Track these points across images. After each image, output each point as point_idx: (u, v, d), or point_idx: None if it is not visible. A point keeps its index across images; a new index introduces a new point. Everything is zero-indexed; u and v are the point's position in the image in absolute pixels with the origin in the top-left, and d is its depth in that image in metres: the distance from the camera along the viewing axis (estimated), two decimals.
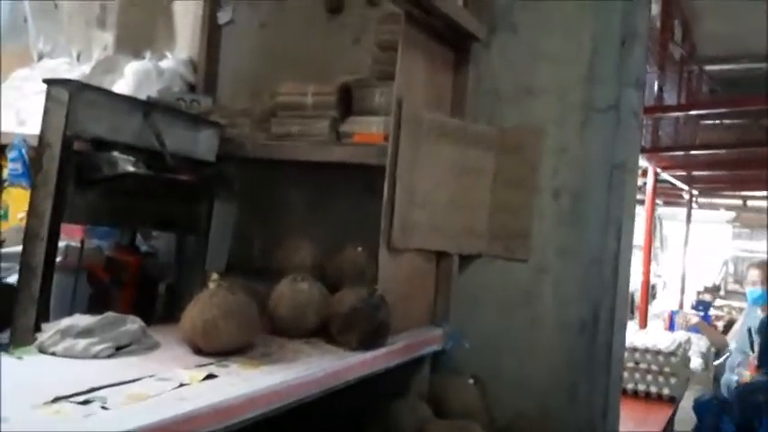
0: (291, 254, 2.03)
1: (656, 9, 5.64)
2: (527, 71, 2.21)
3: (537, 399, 2.10)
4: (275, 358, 1.54)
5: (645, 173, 6.19)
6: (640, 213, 5.89)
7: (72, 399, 1.13)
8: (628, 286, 2.20)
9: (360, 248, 1.99)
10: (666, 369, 4.46)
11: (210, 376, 1.34)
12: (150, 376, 1.30)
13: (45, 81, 1.77)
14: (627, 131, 2.10)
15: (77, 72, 3.02)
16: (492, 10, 2.23)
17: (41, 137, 1.75)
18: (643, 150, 5.28)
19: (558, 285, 2.11)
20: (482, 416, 2.01)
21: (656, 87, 5.86)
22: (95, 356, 1.41)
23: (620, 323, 2.13)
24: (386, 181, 1.87)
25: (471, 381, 2.05)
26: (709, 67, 8.92)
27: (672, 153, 6.61)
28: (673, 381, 4.45)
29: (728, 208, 12.60)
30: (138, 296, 2.11)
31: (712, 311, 8.05)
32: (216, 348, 1.50)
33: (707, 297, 9.20)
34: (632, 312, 6.18)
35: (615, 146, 2.09)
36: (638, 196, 5.99)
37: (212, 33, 2.83)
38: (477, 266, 2.21)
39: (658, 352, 4.47)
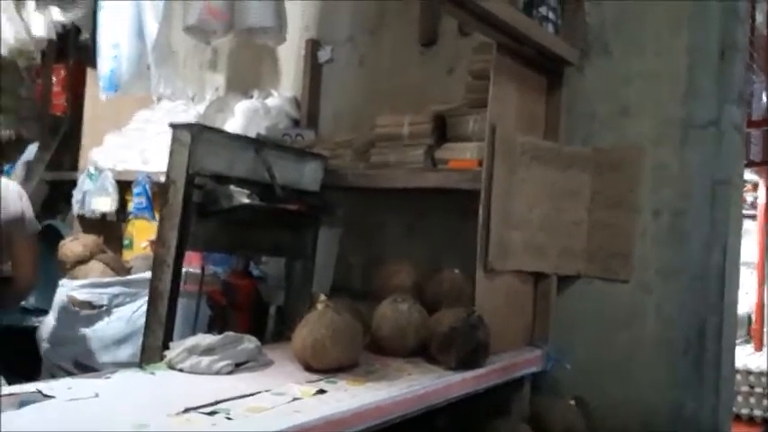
0: (391, 276, 2.12)
1: (761, 16, 5.35)
2: (622, 91, 2.20)
3: (641, 420, 2.06)
4: (379, 376, 1.62)
5: (756, 187, 5.84)
6: (751, 230, 5.55)
7: (200, 410, 1.26)
8: (735, 305, 2.12)
9: (457, 270, 2.05)
10: None
11: (321, 391, 1.43)
12: (266, 391, 1.42)
13: (170, 125, 1.96)
14: (730, 147, 2.05)
15: (193, 112, 3.29)
16: (584, 33, 2.25)
17: (167, 174, 1.93)
18: (753, 164, 5.00)
19: (660, 305, 2.07)
20: None
21: (764, 98, 5.53)
22: (217, 373, 1.55)
23: (729, 343, 2.06)
24: (481, 204, 1.92)
25: (573, 402, 2.04)
26: None
27: None
28: None
29: None
30: (252, 317, 2.26)
31: None
32: (324, 366, 1.60)
33: None
34: (748, 335, 5.80)
35: (717, 162, 2.04)
36: (750, 212, 5.67)
37: (314, 72, 3.01)
38: (577, 287, 2.21)
39: None
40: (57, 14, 3.04)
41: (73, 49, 4.01)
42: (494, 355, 1.84)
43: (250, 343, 1.66)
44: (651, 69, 2.15)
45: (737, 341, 2.49)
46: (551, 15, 2.16)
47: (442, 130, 2.27)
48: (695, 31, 2.09)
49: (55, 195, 3.92)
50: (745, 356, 4.50)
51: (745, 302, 5.35)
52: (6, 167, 4.51)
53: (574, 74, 2.25)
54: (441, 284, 2.03)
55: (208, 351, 1.58)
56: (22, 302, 2.88)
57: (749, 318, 5.71)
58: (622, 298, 2.13)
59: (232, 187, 1.99)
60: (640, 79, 2.17)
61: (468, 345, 1.72)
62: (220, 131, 2.26)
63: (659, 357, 2.06)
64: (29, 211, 2.66)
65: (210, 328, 2.17)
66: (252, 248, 2.27)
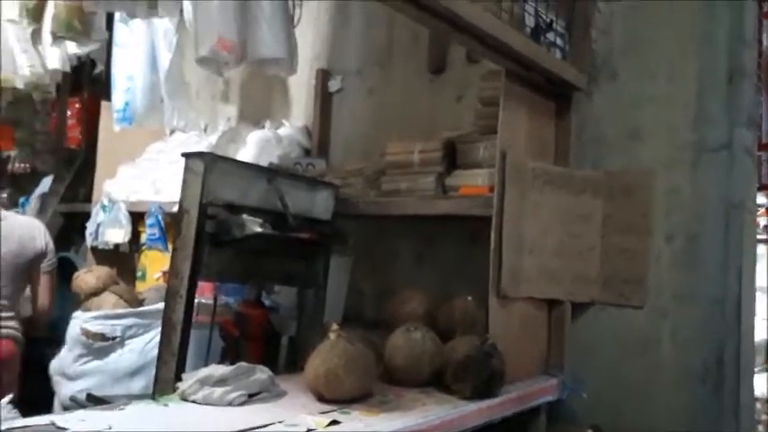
0: (403, 304, 2.11)
1: None
2: (631, 115, 2.20)
3: None
4: (393, 406, 1.61)
5: None
6: (765, 255, 5.47)
7: None
8: (753, 330, 2.09)
9: (470, 297, 2.04)
10: None
11: (334, 422, 1.42)
12: (280, 422, 1.41)
13: (183, 155, 1.97)
14: (741, 170, 2.04)
15: (205, 143, 3.33)
16: (592, 59, 2.26)
17: (180, 204, 1.94)
18: (765, 187, 4.95)
19: (677, 330, 2.04)
20: None
21: None
22: (230, 404, 1.54)
23: (747, 369, 2.03)
24: (493, 230, 1.92)
25: (590, 431, 2.01)
26: None
27: None
28: None
29: None
30: (265, 348, 2.26)
31: None
32: (337, 396, 1.59)
33: None
34: (767, 362, 5.69)
35: (730, 185, 2.03)
36: (763, 236, 5.59)
37: (324, 101, 3.05)
38: (591, 313, 2.19)
39: None
40: (72, 47, 3.10)
41: (87, 81, 4.09)
42: (509, 384, 1.82)
43: (263, 373, 1.65)
44: (661, 94, 2.15)
45: (756, 368, 2.44)
46: (559, 41, 2.18)
47: (453, 157, 2.28)
48: (703, 55, 2.09)
49: (69, 227, 3.96)
50: (765, 384, 4.40)
51: (762, 328, 5.25)
52: (22, 200, 4.58)
53: (582, 99, 2.26)
54: (453, 312, 2.02)
55: (220, 382, 1.58)
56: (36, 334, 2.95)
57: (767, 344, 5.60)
58: (638, 324, 2.10)
59: (245, 216, 2.00)
60: (650, 103, 2.17)
61: (482, 374, 1.70)
62: (233, 161, 2.28)
63: (677, 384, 2.02)
64: (51, 247, 2.85)
65: (223, 359, 2.17)
66: (264, 278, 2.28)
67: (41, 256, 2.80)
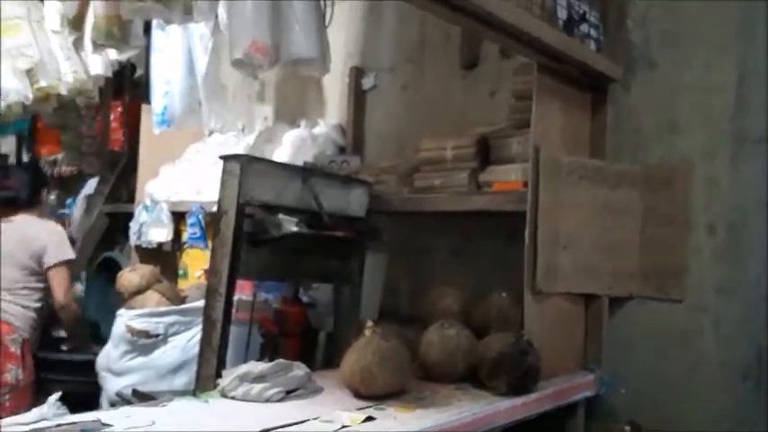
0: (438, 300, 2.12)
1: None
2: (669, 106, 2.16)
3: None
4: (428, 402, 1.62)
5: None
6: None
7: None
8: None
9: (504, 294, 2.03)
10: None
11: (369, 419, 1.44)
12: (315, 418, 1.44)
13: (221, 157, 2.02)
14: None
15: (243, 143, 3.38)
16: (628, 49, 2.22)
17: (219, 205, 1.98)
18: None
19: (718, 325, 2.00)
20: None
21: None
22: (268, 400, 1.58)
23: None
24: (527, 226, 1.91)
25: (628, 427, 1.98)
26: None
27: None
28: None
29: None
30: (302, 344, 2.29)
31: None
32: (373, 393, 1.61)
33: None
34: None
35: None
36: None
37: (358, 99, 3.07)
38: (630, 308, 2.16)
39: None
40: (113, 54, 3.18)
41: (129, 85, 4.19)
42: (545, 380, 1.81)
43: (300, 370, 1.68)
44: (700, 84, 2.11)
45: None
46: (593, 33, 2.15)
47: (486, 153, 2.27)
48: (742, 44, 2.04)
49: (113, 227, 4.07)
50: None
51: None
52: (69, 201, 4.73)
53: (619, 90, 2.23)
54: (488, 309, 2.02)
55: (259, 378, 1.62)
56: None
57: None
58: (678, 318, 2.07)
59: (281, 216, 2.03)
60: (688, 94, 2.13)
61: (518, 370, 1.70)
62: (268, 161, 2.31)
63: (718, 380, 1.98)
64: (54, 244, 3.14)
65: (262, 355, 2.21)
66: (301, 276, 2.31)
67: (41, 254, 3.09)
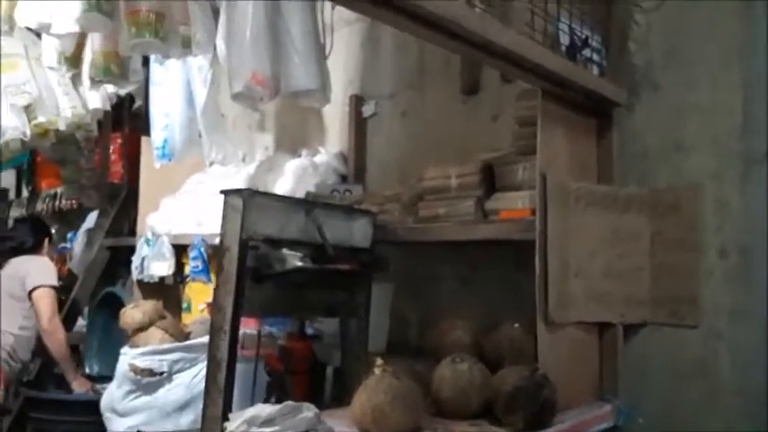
0: (448, 332, 2.08)
1: None
2: (675, 128, 2.14)
3: None
4: None
5: None
6: None
7: None
8: None
9: (516, 324, 1.99)
10: None
11: None
12: None
13: (222, 191, 1.99)
14: None
15: (244, 173, 3.36)
16: (631, 72, 2.20)
17: (221, 240, 1.95)
18: None
19: (734, 352, 1.95)
20: None
21: None
22: None
23: None
24: (537, 254, 1.87)
25: None
26: None
27: None
28: None
29: None
30: (309, 380, 2.24)
31: None
32: None
33: None
34: None
35: None
36: None
37: (359, 127, 3.05)
38: (644, 335, 2.11)
39: None
40: (111, 87, 3.17)
41: (127, 117, 4.18)
42: (561, 413, 1.77)
43: (309, 411, 1.64)
44: (705, 104, 2.08)
45: None
46: (596, 57, 2.13)
47: (491, 180, 2.24)
48: (746, 62, 2.02)
49: (115, 261, 4.03)
50: None
51: None
52: (69, 235, 4.70)
53: (623, 114, 2.20)
54: (500, 341, 1.98)
55: (268, 422, 1.58)
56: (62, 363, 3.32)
57: None
58: (693, 345, 2.02)
59: (285, 251, 2.00)
60: (694, 114, 2.11)
61: (534, 404, 1.65)
62: (271, 195, 2.29)
63: (737, 408, 1.93)
64: (36, 270, 3.38)
65: (269, 393, 2.16)
66: (306, 310, 2.27)
67: (25, 276, 3.33)
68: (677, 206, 2.09)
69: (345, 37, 3.11)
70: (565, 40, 1.98)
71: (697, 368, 2.01)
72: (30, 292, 3.26)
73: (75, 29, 2.37)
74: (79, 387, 3.25)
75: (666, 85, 2.16)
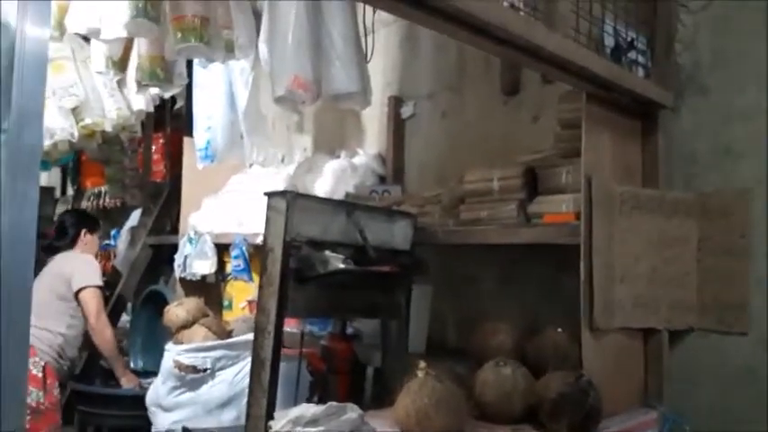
0: (491, 336, 2.07)
1: None
2: (723, 131, 2.10)
3: None
4: None
5: None
6: None
7: None
8: None
9: (560, 329, 1.98)
10: None
11: None
12: None
13: (266, 193, 2.01)
14: None
15: (283, 174, 3.40)
16: (677, 74, 2.17)
17: (264, 242, 1.97)
18: None
19: None
20: None
21: None
22: None
23: None
24: (582, 259, 1.85)
25: None
26: None
27: None
28: None
29: None
30: (351, 380, 2.26)
31: None
32: None
33: None
34: None
35: None
36: None
37: (397, 128, 3.05)
38: (691, 342, 2.08)
39: None
40: (155, 90, 3.24)
41: (170, 117, 4.26)
42: (606, 420, 1.75)
43: (353, 412, 1.65)
44: (754, 106, 2.04)
45: None
46: (641, 59, 2.10)
47: (534, 184, 2.22)
48: None
49: (157, 259, 4.12)
50: None
51: None
52: (113, 232, 4.81)
53: (670, 116, 2.17)
54: (544, 346, 1.96)
55: (312, 423, 1.60)
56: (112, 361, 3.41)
57: None
58: (742, 352, 1.98)
59: (327, 252, 2.02)
60: (742, 117, 2.06)
61: (579, 411, 1.64)
62: (313, 197, 2.31)
63: None
64: (80, 271, 3.40)
65: (311, 394, 2.19)
66: (347, 311, 2.29)
67: (70, 277, 3.36)
68: (726, 211, 2.04)
69: (384, 38, 3.11)
70: (610, 42, 1.96)
71: (746, 376, 1.98)
72: (76, 293, 3.32)
73: (123, 34, 2.42)
74: (128, 383, 3.33)
75: (714, 87, 2.12)
